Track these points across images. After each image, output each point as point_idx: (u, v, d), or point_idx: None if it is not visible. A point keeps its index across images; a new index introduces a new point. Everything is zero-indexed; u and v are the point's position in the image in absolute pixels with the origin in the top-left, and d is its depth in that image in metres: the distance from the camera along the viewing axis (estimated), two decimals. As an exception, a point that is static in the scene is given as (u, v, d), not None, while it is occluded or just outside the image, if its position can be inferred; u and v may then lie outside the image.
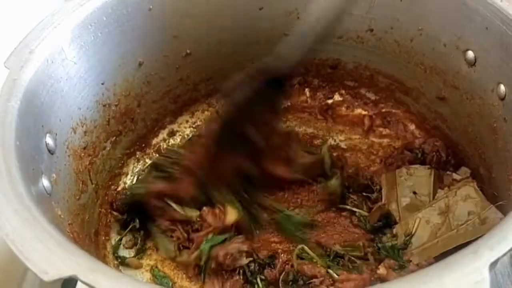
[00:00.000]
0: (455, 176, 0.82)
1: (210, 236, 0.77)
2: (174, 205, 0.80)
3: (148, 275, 0.80)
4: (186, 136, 0.96)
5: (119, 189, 0.87)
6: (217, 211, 0.78)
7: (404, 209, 0.79)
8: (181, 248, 0.80)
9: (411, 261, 0.74)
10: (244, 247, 0.75)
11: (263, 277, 0.75)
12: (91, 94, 0.76)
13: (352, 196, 0.84)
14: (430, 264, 0.70)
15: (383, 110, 0.96)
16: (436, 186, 0.81)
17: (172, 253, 0.79)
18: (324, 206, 0.83)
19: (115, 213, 0.84)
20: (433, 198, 0.79)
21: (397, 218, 0.79)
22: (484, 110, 0.75)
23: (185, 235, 0.80)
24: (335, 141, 0.94)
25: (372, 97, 0.96)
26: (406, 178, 0.82)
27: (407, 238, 0.76)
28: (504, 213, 0.71)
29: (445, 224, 0.75)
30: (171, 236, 0.81)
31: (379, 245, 0.76)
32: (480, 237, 0.67)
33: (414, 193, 0.80)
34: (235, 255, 0.75)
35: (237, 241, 0.76)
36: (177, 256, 0.79)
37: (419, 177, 0.82)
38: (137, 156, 0.91)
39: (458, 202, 0.76)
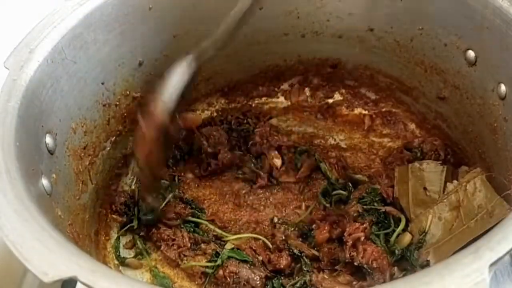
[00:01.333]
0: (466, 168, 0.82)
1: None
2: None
3: (148, 275, 0.80)
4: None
5: (119, 189, 0.87)
6: None
7: (414, 205, 0.79)
8: (182, 256, 0.80)
9: (428, 260, 0.74)
10: (256, 281, 0.75)
11: None
12: (91, 94, 0.76)
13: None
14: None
15: (383, 110, 0.96)
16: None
17: None
18: None
19: (114, 215, 0.84)
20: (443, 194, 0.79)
21: (408, 213, 0.79)
22: (484, 110, 0.75)
23: (188, 244, 0.81)
24: (335, 140, 0.95)
25: (372, 96, 0.96)
26: (418, 173, 0.82)
27: (421, 236, 0.76)
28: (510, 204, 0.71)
29: (458, 220, 0.74)
30: (172, 245, 0.81)
31: (396, 246, 0.76)
32: (489, 230, 0.67)
33: (425, 188, 0.80)
34: (240, 279, 0.75)
35: (255, 271, 0.76)
36: (181, 264, 0.80)
37: (431, 172, 0.81)
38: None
39: (468, 196, 0.75)
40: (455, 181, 0.78)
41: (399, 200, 0.81)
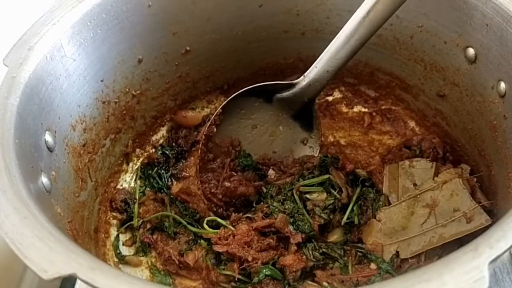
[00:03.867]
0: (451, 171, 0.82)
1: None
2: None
3: (147, 272, 0.80)
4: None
5: (118, 186, 0.87)
6: None
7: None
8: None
9: (398, 251, 0.75)
10: None
11: None
12: (91, 91, 0.76)
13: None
14: (418, 262, 0.73)
15: (383, 107, 0.96)
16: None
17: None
18: None
19: (114, 213, 0.84)
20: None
21: None
22: (484, 107, 0.75)
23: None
24: (335, 138, 0.94)
25: (372, 94, 0.96)
26: (408, 170, 0.83)
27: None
28: (490, 213, 0.72)
29: (430, 217, 0.76)
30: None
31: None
32: (465, 236, 0.69)
33: (414, 185, 0.81)
34: None
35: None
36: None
37: (421, 169, 0.82)
38: (137, 153, 0.91)
39: (445, 197, 0.76)
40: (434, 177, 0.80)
41: (388, 197, 0.81)
